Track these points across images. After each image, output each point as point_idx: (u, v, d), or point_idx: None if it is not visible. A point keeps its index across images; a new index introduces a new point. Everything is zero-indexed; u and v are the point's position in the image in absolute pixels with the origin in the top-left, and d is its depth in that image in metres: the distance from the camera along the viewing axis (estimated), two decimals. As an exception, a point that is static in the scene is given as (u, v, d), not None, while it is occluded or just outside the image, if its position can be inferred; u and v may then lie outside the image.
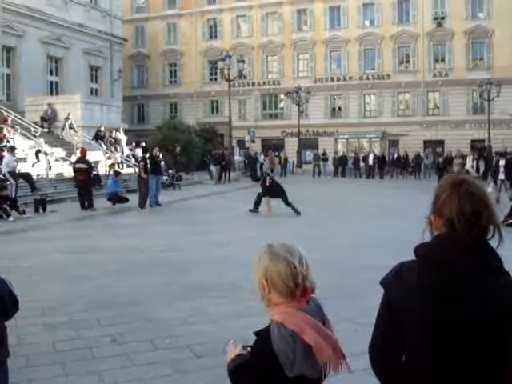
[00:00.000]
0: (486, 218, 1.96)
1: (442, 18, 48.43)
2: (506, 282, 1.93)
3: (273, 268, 2.19)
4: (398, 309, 2.02)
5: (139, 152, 30.59)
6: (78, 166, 19.78)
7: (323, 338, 2.15)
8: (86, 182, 19.58)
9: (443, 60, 49.31)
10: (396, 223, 15.30)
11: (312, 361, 2.12)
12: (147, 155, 22.44)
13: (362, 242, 12.55)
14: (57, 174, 23.92)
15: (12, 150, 20.44)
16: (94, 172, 25.02)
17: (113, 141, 30.13)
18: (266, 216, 17.51)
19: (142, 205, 19.76)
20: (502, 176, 21.23)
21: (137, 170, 22.73)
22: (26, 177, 20.08)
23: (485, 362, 1.90)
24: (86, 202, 19.24)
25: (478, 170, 33.18)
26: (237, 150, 46.40)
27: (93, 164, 25.48)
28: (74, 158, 24.80)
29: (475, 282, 1.91)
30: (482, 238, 1.97)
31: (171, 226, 15.72)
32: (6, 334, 3.38)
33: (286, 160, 43.06)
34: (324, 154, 44.16)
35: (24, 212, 17.15)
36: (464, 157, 35.24)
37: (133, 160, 29.60)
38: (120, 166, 28.03)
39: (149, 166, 20.66)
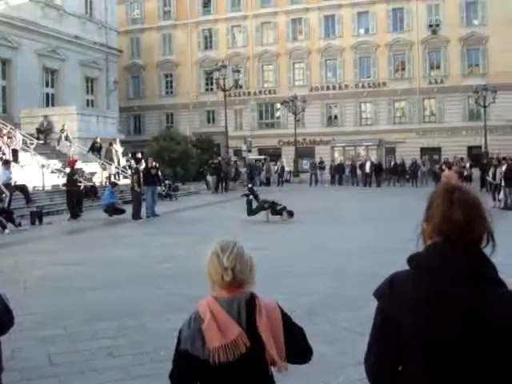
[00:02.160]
0: (478, 226, 1.94)
1: (437, 26, 48.61)
2: (501, 291, 1.91)
3: (210, 263, 2.38)
4: (392, 319, 1.99)
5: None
6: (75, 177, 19.89)
7: (219, 326, 2.29)
8: (80, 192, 19.80)
9: (438, 67, 49.47)
10: (394, 231, 15.22)
11: (202, 342, 2.29)
12: (142, 166, 22.42)
13: (359, 249, 12.49)
14: (53, 186, 23.82)
15: (7, 162, 20.38)
16: (91, 183, 25.03)
17: (113, 151, 30.06)
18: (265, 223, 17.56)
19: (135, 216, 19.64)
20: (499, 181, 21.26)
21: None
22: (22, 189, 20.00)
23: (480, 371, 1.86)
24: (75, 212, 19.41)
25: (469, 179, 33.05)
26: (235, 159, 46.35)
27: (88, 175, 25.52)
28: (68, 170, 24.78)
29: (469, 291, 1.88)
30: (476, 247, 1.94)
31: (168, 237, 15.64)
32: (0, 348, 3.31)
33: (282, 169, 43.03)
34: (321, 162, 44.19)
35: (20, 224, 17.09)
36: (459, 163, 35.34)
37: (129, 171, 29.54)
38: (116, 177, 27.97)
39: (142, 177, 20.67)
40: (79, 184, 20.44)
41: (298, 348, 2.48)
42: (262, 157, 47.85)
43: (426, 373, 1.93)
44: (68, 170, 23.76)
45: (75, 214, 19.57)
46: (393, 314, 1.99)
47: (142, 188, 20.27)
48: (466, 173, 33.27)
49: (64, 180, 21.25)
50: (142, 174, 20.65)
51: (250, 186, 19.66)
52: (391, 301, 2.01)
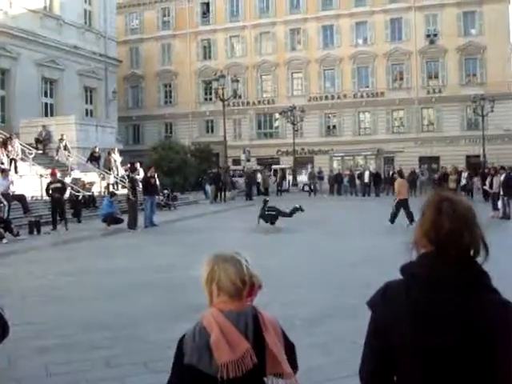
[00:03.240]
0: (467, 236, 1.95)
1: (435, 35, 48.86)
2: (492, 298, 1.93)
3: (221, 269, 2.32)
4: (385, 328, 2.01)
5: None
6: (54, 185, 19.75)
7: (227, 340, 2.23)
8: (61, 200, 19.67)
9: (436, 77, 49.67)
10: (393, 240, 15.19)
11: (210, 357, 2.23)
12: (138, 175, 22.39)
13: (359, 259, 12.46)
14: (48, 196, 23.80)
15: (5, 171, 20.35)
16: (89, 193, 24.99)
17: (112, 161, 30.05)
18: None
19: (131, 226, 19.53)
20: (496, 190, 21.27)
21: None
22: (20, 199, 19.96)
23: (474, 377, 1.88)
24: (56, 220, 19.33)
25: (465, 189, 33.09)
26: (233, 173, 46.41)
27: (88, 185, 25.45)
28: (68, 180, 24.76)
29: (461, 299, 1.91)
30: (466, 255, 1.96)
31: (166, 247, 15.60)
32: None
33: (281, 178, 42.99)
34: (319, 172, 44.19)
35: (18, 234, 17.04)
36: (459, 173, 35.36)
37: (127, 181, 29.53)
38: (115, 186, 27.95)
39: (140, 186, 20.65)
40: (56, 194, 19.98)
41: (291, 364, 2.46)
42: (260, 166, 47.90)
43: (422, 380, 1.94)
44: (68, 179, 23.86)
45: (56, 224, 19.36)
46: (386, 323, 2.01)
47: (137, 197, 20.24)
48: (463, 182, 33.39)
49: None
50: (138, 184, 20.60)
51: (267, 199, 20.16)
52: (384, 310, 2.03)
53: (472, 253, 1.98)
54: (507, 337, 1.85)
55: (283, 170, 45.43)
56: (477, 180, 34.66)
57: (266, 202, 19.82)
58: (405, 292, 2.00)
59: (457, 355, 1.88)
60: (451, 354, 1.89)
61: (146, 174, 22.94)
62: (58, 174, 21.20)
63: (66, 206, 20.45)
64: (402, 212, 18.45)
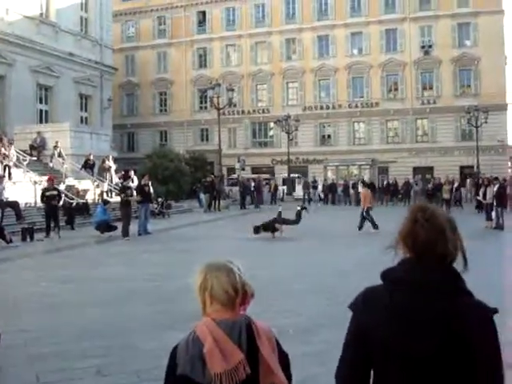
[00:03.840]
0: (441, 245, 2.05)
1: (430, 47, 49.11)
2: (469, 301, 2.01)
3: (213, 277, 2.31)
4: (366, 333, 2.08)
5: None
6: (50, 192, 19.59)
7: (221, 350, 2.22)
8: (57, 207, 19.58)
9: (431, 87, 49.90)
10: (387, 250, 15.20)
11: (203, 367, 2.21)
12: (132, 183, 22.30)
13: (354, 267, 12.45)
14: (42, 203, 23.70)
15: (-1, 178, 20.30)
16: (83, 200, 24.92)
17: (106, 167, 29.98)
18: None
19: (124, 233, 19.40)
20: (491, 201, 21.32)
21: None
22: (13, 205, 19.88)
23: (453, 380, 1.95)
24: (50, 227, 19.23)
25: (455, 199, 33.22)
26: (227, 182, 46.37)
27: (82, 192, 25.37)
28: (62, 187, 24.67)
29: (438, 303, 1.98)
30: (442, 261, 2.05)
31: (160, 255, 15.56)
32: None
33: (276, 188, 42.97)
34: (314, 181, 44.24)
35: (11, 241, 16.95)
36: (452, 183, 35.47)
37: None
38: (109, 194, 27.89)
39: (135, 193, 20.56)
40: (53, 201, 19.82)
41: (285, 374, 2.44)
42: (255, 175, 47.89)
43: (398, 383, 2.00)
44: (62, 186, 23.74)
45: (49, 231, 19.26)
46: (366, 327, 2.08)
47: (130, 205, 20.13)
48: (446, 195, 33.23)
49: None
50: (132, 192, 20.46)
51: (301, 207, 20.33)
52: (363, 313, 2.12)
53: (448, 260, 2.07)
54: (484, 337, 1.94)
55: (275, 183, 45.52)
56: (465, 190, 34.80)
57: (280, 213, 19.71)
58: (385, 297, 2.08)
59: (437, 361, 1.93)
60: (431, 360, 1.94)
61: (139, 181, 22.89)
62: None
63: (59, 213, 20.31)
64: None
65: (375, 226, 19.74)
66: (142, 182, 21.92)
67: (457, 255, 2.08)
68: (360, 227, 20.21)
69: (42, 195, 19.79)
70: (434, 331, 1.95)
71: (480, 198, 22.65)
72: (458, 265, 2.10)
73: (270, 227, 18.87)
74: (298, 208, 19.87)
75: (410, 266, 2.09)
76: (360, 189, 21.89)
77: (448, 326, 1.94)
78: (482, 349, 1.92)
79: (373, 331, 2.05)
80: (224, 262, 2.37)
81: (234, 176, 46.15)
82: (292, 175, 45.75)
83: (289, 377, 2.46)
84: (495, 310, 2.01)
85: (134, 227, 20.04)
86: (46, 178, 25.57)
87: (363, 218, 20.34)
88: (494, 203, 21.01)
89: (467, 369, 1.93)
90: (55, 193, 19.72)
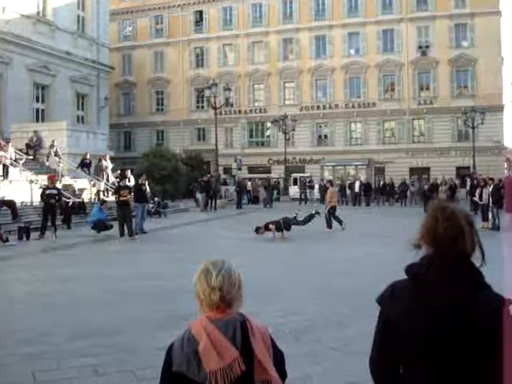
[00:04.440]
0: (460, 242, 2.21)
1: (427, 47, 49.17)
2: (487, 295, 2.18)
3: (197, 283, 2.37)
4: (393, 323, 2.26)
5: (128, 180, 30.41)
6: (50, 191, 19.42)
7: (216, 348, 2.26)
8: (55, 207, 19.45)
9: (428, 88, 49.95)
10: (383, 250, 15.24)
11: (198, 365, 2.25)
12: (129, 182, 22.24)
13: (351, 268, 12.47)
14: (41, 202, 23.61)
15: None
16: (79, 199, 24.89)
17: (103, 167, 29.94)
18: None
19: (130, 233, 19.32)
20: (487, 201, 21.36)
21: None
22: (10, 204, 19.84)
23: (474, 366, 2.12)
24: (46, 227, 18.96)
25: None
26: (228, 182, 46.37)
27: (78, 191, 25.33)
28: (58, 186, 24.62)
29: (458, 296, 2.15)
30: (461, 256, 2.21)
31: (156, 254, 15.56)
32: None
33: (272, 188, 42.96)
34: (310, 181, 44.27)
35: (7, 240, 16.94)
36: (453, 184, 35.55)
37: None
38: (106, 193, 27.86)
39: (132, 193, 20.48)
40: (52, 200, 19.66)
41: (279, 372, 2.47)
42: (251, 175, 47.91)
43: (426, 369, 2.18)
44: (57, 185, 23.65)
45: (44, 231, 19.08)
46: (393, 319, 2.26)
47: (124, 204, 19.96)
48: (448, 193, 33.39)
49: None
50: (128, 191, 20.34)
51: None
52: (392, 307, 2.29)
53: (467, 255, 2.23)
54: (499, 327, 2.07)
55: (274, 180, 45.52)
56: (465, 190, 34.82)
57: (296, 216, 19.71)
58: (408, 290, 2.27)
59: (457, 347, 2.12)
60: (452, 346, 2.13)
61: (137, 181, 22.87)
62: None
63: (57, 213, 20.19)
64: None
65: (330, 227, 20.91)
66: (140, 182, 21.90)
67: (474, 250, 2.25)
68: (329, 227, 21.00)
69: (43, 193, 19.63)
70: (454, 321, 2.13)
71: (476, 198, 22.66)
72: (476, 260, 2.25)
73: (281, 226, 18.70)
74: (312, 212, 20.00)
75: (431, 261, 2.24)
76: (330, 188, 22.65)
77: (467, 317, 2.12)
78: (498, 338, 2.07)
79: (399, 322, 2.24)
80: (208, 265, 2.39)
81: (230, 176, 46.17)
82: (301, 175, 46.01)
83: (283, 374, 2.50)
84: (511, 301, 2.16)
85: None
86: (43, 177, 25.57)
87: (330, 217, 21.17)
88: (491, 204, 21.05)
89: (485, 355, 2.10)
90: (55, 192, 19.59)
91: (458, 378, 2.14)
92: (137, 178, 23.68)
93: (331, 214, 21.12)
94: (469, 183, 35.20)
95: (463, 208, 2.39)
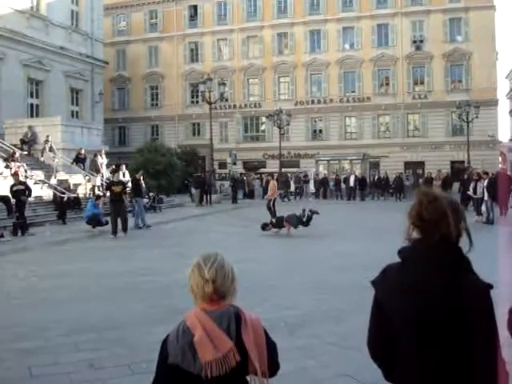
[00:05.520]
0: (445, 225, 2.30)
1: (421, 42, 49.17)
2: (470, 278, 2.26)
3: (191, 276, 2.41)
4: (384, 304, 2.40)
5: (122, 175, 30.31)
6: (16, 187, 19.20)
7: (211, 339, 2.29)
8: (24, 203, 19.08)
9: (422, 82, 49.96)
10: (379, 245, 15.27)
11: (193, 356, 2.29)
12: (124, 177, 22.19)
13: (348, 263, 12.51)
14: (36, 197, 23.57)
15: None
16: (74, 195, 24.85)
17: (98, 163, 29.88)
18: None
19: (113, 230, 19.05)
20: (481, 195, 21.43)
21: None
22: (4, 200, 19.79)
23: (459, 344, 2.22)
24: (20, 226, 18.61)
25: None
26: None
27: (73, 187, 25.30)
28: (53, 181, 24.62)
29: (443, 278, 2.25)
30: (448, 241, 2.30)
31: (151, 249, 15.56)
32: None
33: (267, 182, 42.87)
34: (305, 175, 44.30)
35: (2, 235, 16.92)
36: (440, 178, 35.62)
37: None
38: (101, 188, 27.83)
39: (129, 188, 20.43)
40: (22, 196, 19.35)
41: (272, 363, 2.50)
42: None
43: (415, 346, 2.30)
44: (54, 181, 23.63)
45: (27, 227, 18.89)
46: (384, 299, 2.40)
47: (125, 199, 19.79)
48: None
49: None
50: (115, 186, 19.86)
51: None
52: (383, 288, 2.42)
53: (453, 239, 2.32)
54: (481, 309, 2.20)
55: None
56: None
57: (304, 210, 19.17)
58: (397, 272, 2.39)
59: (443, 326, 2.22)
60: (438, 324, 2.23)
61: (134, 177, 22.80)
62: (21, 177, 20.69)
63: (26, 208, 19.52)
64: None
65: (274, 217, 20.73)
66: (137, 177, 21.89)
67: (461, 235, 2.34)
68: (274, 217, 21.07)
69: (11, 191, 19.21)
70: (439, 302, 2.23)
71: (470, 192, 22.71)
72: (464, 245, 2.34)
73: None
74: (309, 213, 18.86)
75: (417, 244, 2.37)
76: (275, 181, 24.67)
77: (450, 298, 2.21)
78: (479, 320, 2.19)
79: (386, 301, 2.38)
80: (201, 259, 2.42)
81: (225, 171, 46.05)
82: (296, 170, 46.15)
83: (276, 365, 2.55)
84: (491, 286, 2.25)
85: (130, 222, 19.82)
86: (38, 172, 25.50)
87: (273, 208, 22.06)
88: (485, 197, 21.12)
89: (469, 335, 2.20)
90: (22, 187, 19.22)
91: (443, 356, 2.24)
92: (132, 173, 23.67)
93: (270, 205, 22.19)
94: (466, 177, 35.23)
95: (452, 196, 2.48)
